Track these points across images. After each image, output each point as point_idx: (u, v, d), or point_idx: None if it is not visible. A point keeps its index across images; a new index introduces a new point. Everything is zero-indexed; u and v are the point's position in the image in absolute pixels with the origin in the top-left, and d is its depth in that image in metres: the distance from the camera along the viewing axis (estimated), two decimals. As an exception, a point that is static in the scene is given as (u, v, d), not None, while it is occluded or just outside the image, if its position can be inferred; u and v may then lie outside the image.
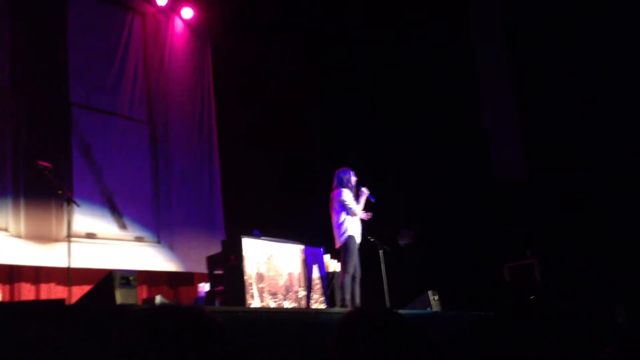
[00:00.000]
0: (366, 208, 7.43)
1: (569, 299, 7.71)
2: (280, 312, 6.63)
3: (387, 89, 10.38)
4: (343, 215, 7.29)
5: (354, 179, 7.41)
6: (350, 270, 7.18)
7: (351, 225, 7.30)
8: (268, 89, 10.35)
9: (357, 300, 7.19)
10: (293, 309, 7.21)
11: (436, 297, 8.08)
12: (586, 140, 8.87)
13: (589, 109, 8.87)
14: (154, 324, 1.30)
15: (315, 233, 8.23)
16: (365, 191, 7.41)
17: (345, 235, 7.26)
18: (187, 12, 9.98)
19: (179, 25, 10.00)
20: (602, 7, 8.82)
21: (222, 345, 1.30)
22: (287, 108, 10.45)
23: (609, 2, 8.85)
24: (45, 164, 6.31)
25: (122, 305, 4.88)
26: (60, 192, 6.65)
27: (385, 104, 10.34)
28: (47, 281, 7.57)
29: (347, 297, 7.10)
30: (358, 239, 7.35)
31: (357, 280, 7.27)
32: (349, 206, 7.27)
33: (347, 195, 7.31)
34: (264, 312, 6.29)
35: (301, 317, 6.21)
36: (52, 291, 7.53)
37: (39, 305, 3.97)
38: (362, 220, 7.43)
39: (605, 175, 8.70)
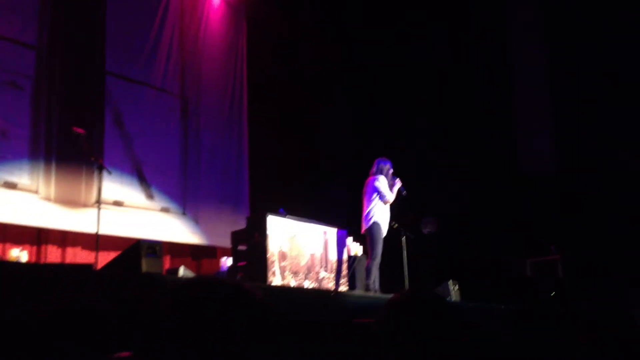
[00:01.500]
0: (396, 199, 7.54)
1: (591, 298, 7.65)
2: (300, 291, 6.68)
3: (416, 77, 10.31)
4: (374, 202, 7.42)
5: (391, 170, 7.59)
6: (376, 256, 7.26)
7: (379, 212, 7.42)
8: (301, 68, 10.33)
9: (377, 286, 7.25)
10: (314, 289, 7.26)
11: (456, 287, 8.08)
12: (620, 137, 8.76)
13: (623, 104, 8.76)
14: (198, 294, 1.33)
15: (339, 215, 8.26)
16: (398, 182, 7.56)
17: (372, 221, 7.38)
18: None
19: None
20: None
21: (262, 319, 1.32)
22: (318, 89, 10.44)
23: None
24: (79, 130, 6.40)
25: (148, 274, 4.97)
26: (92, 158, 6.75)
27: (413, 92, 10.27)
28: (74, 245, 7.71)
29: (371, 282, 7.20)
30: (385, 227, 7.46)
31: (378, 265, 7.34)
32: (383, 193, 7.42)
33: (382, 182, 7.47)
34: (285, 290, 6.35)
35: (321, 297, 6.25)
36: (78, 255, 7.67)
37: (67, 269, 4.04)
38: (390, 209, 7.53)
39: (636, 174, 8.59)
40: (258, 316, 1.33)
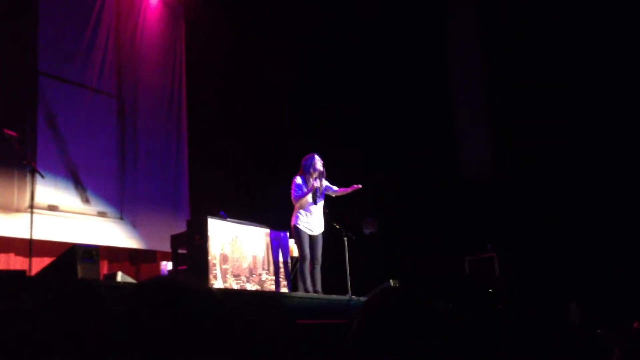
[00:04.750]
0: (331, 199, 7.42)
1: (526, 294, 7.86)
2: (243, 293, 6.62)
3: (359, 78, 10.38)
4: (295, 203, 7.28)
5: (319, 164, 7.30)
6: (303, 258, 7.16)
7: (302, 213, 7.23)
8: (240, 69, 10.27)
9: (318, 287, 7.23)
10: (256, 291, 7.21)
11: (397, 286, 8.16)
12: (554, 140, 9.03)
13: (558, 109, 9.01)
14: (157, 297, 1.30)
15: (281, 217, 8.22)
16: (315, 183, 7.23)
17: (292, 223, 7.26)
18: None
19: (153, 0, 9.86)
20: (576, 5, 8.96)
21: (224, 320, 1.30)
22: (258, 89, 10.39)
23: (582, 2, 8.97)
24: (11, 132, 6.18)
25: (84, 279, 4.84)
26: (25, 162, 6.54)
27: (359, 94, 10.35)
28: (7, 251, 7.45)
29: (306, 283, 7.10)
30: (313, 227, 7.24)
31: (318, 266, 7.29)
32: (292, 192, 7.22)
33: (297, 181, 7.25)
34: (226, 293, 6.29)
35: (264, 299, 6.22)
36: (11, 261, 7.41)
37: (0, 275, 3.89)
38: (329, 207, 7.44)
39: (569, 175, 8.86)
40: (220, 317, 1.31)
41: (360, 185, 7.33)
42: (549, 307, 7.33)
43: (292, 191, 7.25)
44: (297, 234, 7.22)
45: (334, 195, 7.49)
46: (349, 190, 7.39)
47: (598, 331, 6.49)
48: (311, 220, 7.26)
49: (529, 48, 9.28)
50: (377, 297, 1.64)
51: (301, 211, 7.25)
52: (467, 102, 10.09)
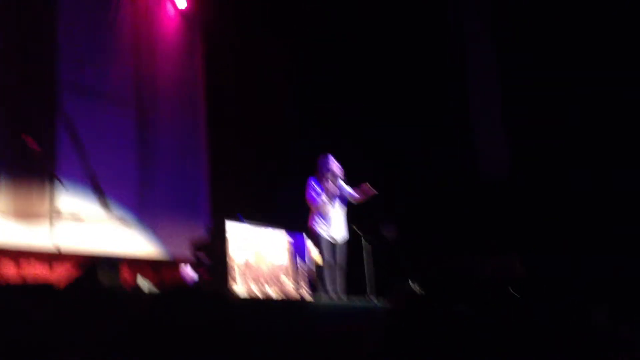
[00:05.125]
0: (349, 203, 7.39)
1: (549, 296, 7.81)
2: (262, 299, 6.65)
3: (374, 80, 10.34)
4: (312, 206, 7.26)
5: (334, 165, 7.26)
6: (325, 262, 7.15)
7: (319, 216, 7.23)
8: (258, 78, 10.28)
9: (340, 292, 7.20)
10: (276, 296, 7.24)
11: (417, 288, 8.13)
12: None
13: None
14: (179, 303, 1.32)
15: (301, 220, 8.22)
16: (328, 187, 7.22)
17: (311, 225, 7.27)
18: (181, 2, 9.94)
19: (171, 9, 9.92)
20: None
21: (242, 325, 1.32)
22: (276, 94, 10.40)
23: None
24: (31, 141, 6.25)
25: (108, 289, 4.89)
26: (45, 170, 6.61)
27: (371, 96, 10.30)
28: (29, 258, 7.52)
29: (327, 287, 7.09)
30: (332, 230, 7.24)
31: (341, 272, 7.26)
32: (306, 194, 7.22)
33: (311, 185, 7.25)
34: (246, 299, 6.32)
35: (284, 304, 6.24)
36: (33, 269, 7.48)
37: (26, 289, 3.95)
38: (349, 209, 7.41)
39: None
40: (238, 322, 1.33)
41: (375, 192, 7.24)
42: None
43: (307, 193, 7.26)
44: (317, 239, 7.22)
45: (353, 201, 7.45)
46: (364, 197, 7.29)
47: (623, 330, 6.43)
48: (330, 223, 7.25)
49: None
50: (398, 302, 1.64)
51: (320, 216, 7.24)
52: (483, 100, 10.04)
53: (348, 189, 7.36)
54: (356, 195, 7.32)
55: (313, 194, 7.22)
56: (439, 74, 10.04)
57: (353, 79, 10.36)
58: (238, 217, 7.41)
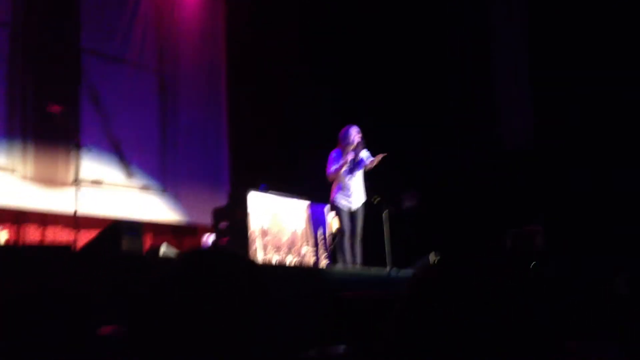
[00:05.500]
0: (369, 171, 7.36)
1: (570, 268, 7.74)
2: (283, 266, 6.70)
3: (396, 50, 10.22)
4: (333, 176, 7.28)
5: (355, 136, 7.25)
6: (343, 231, 7.23)
7: (338, 187, 7.28)
8: (281, 43, 10.21)
9: (358, 260, 7.26)
10: (296, 264, 7.27)
11: (435, 260, 8.11)
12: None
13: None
14: (200, 265, 1.32)
15: (321, 189, 8.22)
16: (350, 155, 7.22)
17: (331, 198, 7.33)
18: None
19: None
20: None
21: (264, 288, 1.32)
22: (297, 64, 10.33)
23: None
24: (55, 107, 6.30)
25: (128, 253, 4.94)
26: (69, 136, 6.66)
27: (393, 65, 10.20)
28: (54, 224, 7.63)
29: (346, 256, 7.17)
30: (352, 200, 7.29)
31: (357, 240, 7.31)
32: (327, 168, 7.26)
33: (333, 155, 7.27)
34: (267, 265, 6.36)
35: (304, 272, 6.27)
36: (58, 235, 7.60)
37: (45, 251, 4.00)
38: (367, 180, 7.41)
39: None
40: (260, 285, 1.33)
41: (386, 154, 7.18)
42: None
43: (328, 166, 7.27)
44: (338, 210, 7.25)
45: (365, 169, 7.41)
46: (375, 161, 7.23)
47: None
48: (350, 194, 7.26)
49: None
50: (424, 273, 1.59)
51: (340, 185, 7.25)
52: (509, 71, 9.92)
53: (367, 156, 7.33)
54: (368, 163, 7.28)
55: (334, 166, 7.21)
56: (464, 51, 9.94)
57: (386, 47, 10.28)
58: (261, 187, 7.42)
